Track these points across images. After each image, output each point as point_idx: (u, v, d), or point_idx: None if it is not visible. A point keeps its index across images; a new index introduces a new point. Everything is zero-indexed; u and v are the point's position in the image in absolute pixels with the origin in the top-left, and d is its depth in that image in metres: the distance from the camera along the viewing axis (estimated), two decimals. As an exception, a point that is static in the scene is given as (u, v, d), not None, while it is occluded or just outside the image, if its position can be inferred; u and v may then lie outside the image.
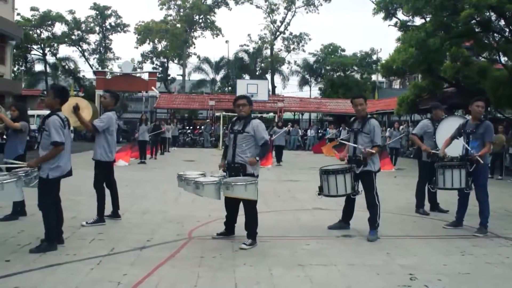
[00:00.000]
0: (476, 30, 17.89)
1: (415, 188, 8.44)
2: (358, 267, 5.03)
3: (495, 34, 18.46)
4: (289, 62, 49.87)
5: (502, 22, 17.57)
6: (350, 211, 6.86)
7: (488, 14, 16.71)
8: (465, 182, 6.66)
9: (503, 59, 18.98)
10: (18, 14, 41.99)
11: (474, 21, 16.99)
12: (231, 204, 5.98)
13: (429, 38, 16.71)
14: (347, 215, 6.87)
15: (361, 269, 4.95)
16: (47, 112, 5.71)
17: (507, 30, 17.53)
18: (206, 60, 47.49)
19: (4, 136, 7.25)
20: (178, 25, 48.70)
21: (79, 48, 48.36)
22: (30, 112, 24.56)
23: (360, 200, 9.49)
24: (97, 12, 48.01)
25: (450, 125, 7.49)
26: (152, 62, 50.68)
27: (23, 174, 5.54)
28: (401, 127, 20.91)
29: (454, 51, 18.54)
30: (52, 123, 5.41)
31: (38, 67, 47.97)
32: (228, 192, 5.56)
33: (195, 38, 50.50)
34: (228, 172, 5.96)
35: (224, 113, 30.03)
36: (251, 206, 5.79)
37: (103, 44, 49.72)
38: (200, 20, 49.63)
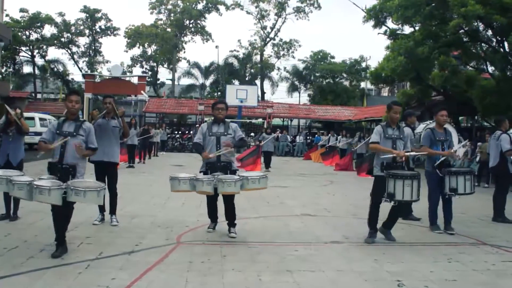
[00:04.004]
0: (464, 39, 18.10)
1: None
2: (346, 273, 5.05)
3: (482, 44, 18.69)
4: (278, 68, 50.01)
5: (490, 32, 17.81)
6: (394, 218, 6.74)
7: (476, 24, 16.91)
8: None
9: (490, 68, 19.20)
10: (7, 15, 41.64)
11: (462, 30, 17.19)
12: (214, 200, 6.65)
13: (418, 47, 16.86)
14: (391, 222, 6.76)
15: (349, 275, 4.97)
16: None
17: (494, 40, 17.75)
18: (196, 65, 47.44)
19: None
20: (168, 30, 48.65)
21: (69, 50, 48.04)
22: (29, 115, 24.55)
23: (349, 207, 9.56)
24: (87, 15, 47.74)
25: None
26: (142, 66, 50.60)
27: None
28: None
29: (442, 60, 18.70)
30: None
31: (27, 69, 47.56)
32: (236, 188, 6.17)
33: (185, 43, 50.49)
34: (211, 170, 6.39)
35: (213, 118, 29.96)
36: (233, 200, 6.57)
37: (93, 47, 49.46)
38: (191, 25, 49.62)
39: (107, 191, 6.70)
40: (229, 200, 6.57)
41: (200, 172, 6.61)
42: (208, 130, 6.58)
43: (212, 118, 6.81)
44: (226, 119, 6.79)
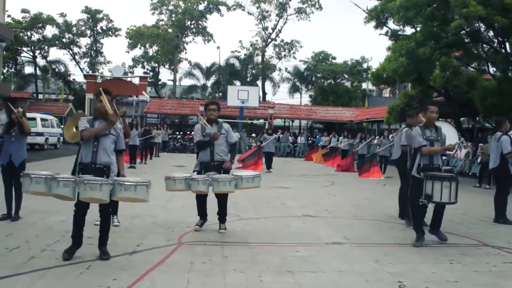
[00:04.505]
0: (466, 40, 18.08)
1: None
2: (347, 274, 5.05)
3: (484, 45, 18.68)
4: (280, 69, 50.15)
5: (491, 33, 17.79)
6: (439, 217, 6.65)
7: (477, 25, 16.90)
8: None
9: (492, 69, 19.18)
10: (9, 16, 41.74)
11: (463, 31, 17.18)
12: (204, 198, 6.82)
13: (419, 48, 16.85)
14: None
15: (350, 276, 4.97)
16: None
17: (496, 41, 17.74)
18: (197, 66, 47.52)
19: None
20: (170, 30, 48.75)
21: (70, 51, 48.19)
22: (31, 115, 24.63)
23: (350, 208, 9.56)
24: (89, 16, 47.87)
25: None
26: (143, 67, 50.76)
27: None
28: (390, 135, 21.00)
29: (444, 61, 18.68)
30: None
31: (28, 69, 47.78)
32: (230, 186, 6.41)
33: (187, 44, 50.70)
34: (205, 170, 6.61)
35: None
36: (226, 198, 6.83)
37: (94, 48, 49.58)
38: (192, 26, 49.72)
39: None
40: (223, 198, 6.80)
41: (194, 171, 6.76)
42: (201, 130, 6.75)
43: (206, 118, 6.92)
44: (219, 119, 7.00)
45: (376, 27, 19.62)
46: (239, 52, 49.14)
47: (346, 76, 46.62)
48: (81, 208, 5.22)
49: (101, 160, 5.19)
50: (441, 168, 6.56)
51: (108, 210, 5.42)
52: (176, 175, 6.52)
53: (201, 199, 6.86)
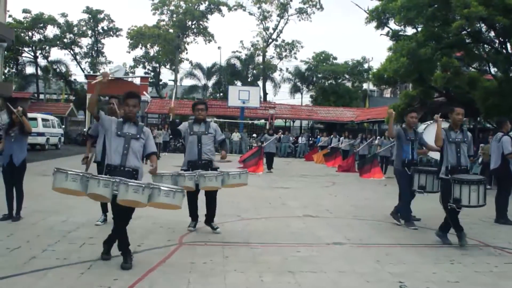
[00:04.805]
0: (467, 41, 18.06)
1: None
2: (348, 274, 5.05)
3: (485, 45, 18.66)
4: (281, 69, 50.04)
5: (492, 34, 17.77)
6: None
7: (478, 25, 16.87)
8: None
9: (493, 69, 19.15)
10: (10, 16, 41.71)
11: (464, 32, 17.16)
12: (194, 198, 6.81)
13: (420, 48, 16.84)
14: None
15: (351, 276, 4.97)
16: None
17: (497, 41, 17.72)
18: (198, 66, 47.50)
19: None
20: (171, 31, 48.71)
21: (71, 51, 48.12)
22: (32, 115, 24.63)
23: (351, 209, 9.56)
24: (90, 16, 47.83)
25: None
26: (144, 67, 50.68)
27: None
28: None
29: (445, 61, 18.67)
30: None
31: (29, 69, 47.70)
32: (216, 182, 6.46)
33: (188, 44, 50.58)
34: (193, 168, 6.61)
35: (215, 119, 30.03)
36: (215, 196, 6.83)
37: (95, 48, 49.55)
38: (193, 26, 49.68)
39: None
40: (212, 196, 6.82)
41: (181, 170, 6.75)
42: (189, 128, 6.79)
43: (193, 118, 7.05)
44: (208, 119, 7.05)
45: (377, 27, 19.61)
46: (240, 52, 49.15)
47: (347, 76, 46.58)
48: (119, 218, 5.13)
49: (130, 164, 5.11)
50: (468, 169, 6.68)
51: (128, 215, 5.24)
52: (163, 171, 6.41)
53: (192, 200, 6.82)
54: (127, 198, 4.75)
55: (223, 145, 7.33)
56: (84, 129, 35.15)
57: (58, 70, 46.95)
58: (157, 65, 51.00)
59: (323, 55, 47.84)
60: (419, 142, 7.86)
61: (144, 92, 36.45)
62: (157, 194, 4.94)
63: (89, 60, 49.18)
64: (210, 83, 48.42)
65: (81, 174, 4.82)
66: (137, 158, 5.20)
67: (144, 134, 5.28)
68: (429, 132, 8.25)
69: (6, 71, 43.68)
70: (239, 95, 31.41)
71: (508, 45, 16.40)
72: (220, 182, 6.49)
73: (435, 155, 8.73)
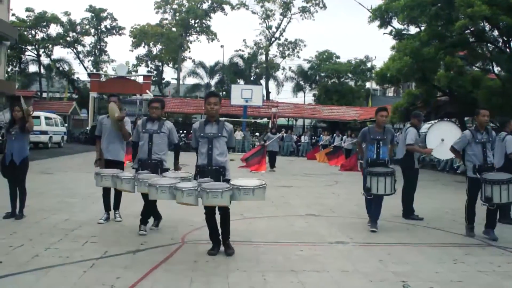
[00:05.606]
0: (470, 40, 18.04)
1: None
2: (351, 273, 5.04)
3: (488, 44, 18.63)
4: (283, 68, 50.00)
5: (496, 33, 17.75)
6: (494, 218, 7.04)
7: (482, 24, 16.86)
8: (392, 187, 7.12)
9: (496, 69, 19.14)
10: (13, 14, 41.84)
11: (468, 31, 17.14)
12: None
13: (424, 47, 16.83)
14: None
15: (354, 276, 4.96)
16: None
17: (501, 40, 17.70)
18: (201, 65, 47.52)
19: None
20: (174, 29, 48.74)
21: (74, 50, 48.23)
22: (35, 114, 24.65)
23: (354, 208, 9.55)
24: (93, 14, 47.90)
25: (441, 129, 8.24)
26: (147, 66, 50.76)
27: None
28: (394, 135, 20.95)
29: (448, 60, 18.66)
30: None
31: (32, 68, 47.81)
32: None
33: (190, 42, 50.60)
34: (142, 168, 6.40)
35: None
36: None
37: (98, 47, 49.63)
38: (196, 25, 49.67)
39: (112, 189, 6.75)
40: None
41: (134, 168, 6.57)
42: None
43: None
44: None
45: (380, 26, 19.62)
46: (243, 51, 49.12)
47: (350, 75, 46.50)
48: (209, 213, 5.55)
49: (217, 162, 5.55)
50: (494, 166, 7.04)
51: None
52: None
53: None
54: (209, 203, 5.21)
55: (175, 151, 7.02)
56: (87, 128, 35.27)
57: (61, 68, 47.02)
58: (160, 63, 51.07)
59: (326, 54, 47.78)
60: (393, 142, 7.77)
61: (147, 91, 36.50)
62: (238, 194, 5.26)
63: (92, 58, 49.28)
64: (212, 82, 48.44)
65: (167, 185, 5.41)
66: (223, 155, 5.60)
67: (226, 131, 5.66)
68: (433, 131, 8.25)
69: (9, 70, 43.81)
70: (242, 94, 31.37)
71: (512, 44, 16.39)
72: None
73: (439, 155, 8.73)
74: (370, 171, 7.08)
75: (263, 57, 49.50)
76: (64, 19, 46.63)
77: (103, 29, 49.25)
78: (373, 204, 7.26)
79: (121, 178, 6.05)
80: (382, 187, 7.02)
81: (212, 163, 5.55)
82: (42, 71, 46.76)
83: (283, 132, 25.94)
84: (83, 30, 48.32)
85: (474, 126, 7.23)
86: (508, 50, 17.09)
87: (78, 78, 49.42)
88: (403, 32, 19.80)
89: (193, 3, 47.73)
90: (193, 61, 49.44)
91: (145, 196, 6.11)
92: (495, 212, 6.92)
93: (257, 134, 32.13)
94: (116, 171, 6.38)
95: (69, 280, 4.46)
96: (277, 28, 49.58)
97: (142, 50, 49.94)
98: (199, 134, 5.65)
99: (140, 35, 47.89)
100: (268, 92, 48.19)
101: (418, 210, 8.41)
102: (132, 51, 50.58)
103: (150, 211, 6.73)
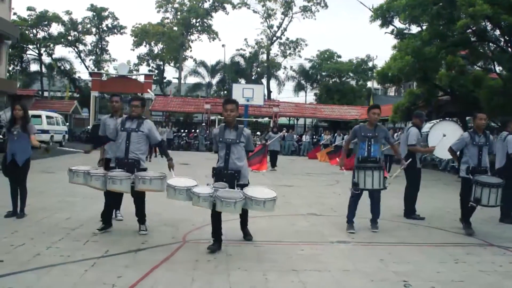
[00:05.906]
0: (472, 39, 18.01)
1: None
2: (352, 273, 5.04)
3: (490, 44, 18.60)
4: (285, 67, 50.02)
5: (498, 32, 17.71)
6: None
7: (483, 24, 16.83)
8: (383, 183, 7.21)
9: (498, 68, 19.09)
10: (15, 13, 41.78)
11: (470, 30, 17.11)
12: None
13: (425, 47, 16.80)
14: None
15: (355, 275, 4.96)
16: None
17: (502, 40, 17.66)
18: (202, 64, 47.49)
19: (0, 136, 7.24)
20: (175, 28, 48.76)
21: (75, 49, 48.26)
22: (36, 113, 24.70)
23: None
24: (94, 14, 47.92)
25: (443, 129, 8.28)
26: (148, 65, 50.78)
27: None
28: (395, 134, 20.92)
29: (450, 59, 18.62)
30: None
31: (34, 67, 47.84)
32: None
33: (192, 42, 50.66)
34: (119, 166, 6.22)
35: (219, 116, 30.03)
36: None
37: (99, 46, 49.66)
38: (197, 24, 49.70)
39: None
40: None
41: (111, 169, 6.30)
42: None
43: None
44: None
45: (381, 25, 19.60)
46: (244, 50, 49.12)
47: (351, 74, 46.48)
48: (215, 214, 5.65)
49: (233, 167, 5.78)
50: (488, 170, 7.23)
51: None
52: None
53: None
54: (222, 209, 5.39)
55: (163, 148, 7.45)
56: (88, 127, 35.28)
57: (62, 67, 47.05)
58: (161, 62, 51.08)
59: (328, 53, 47.76)
60: (389, 140, 7.80)
61: (148, 90, 36.52)
62: (249, 204, 5.46)
63: (93, 57, 49.32)
64: (214, 81, 48.46)
65: (184, 188, 5.66)
66: (240, 160, 5.81)
67: (244, 137, 5.88)
68: (435, 131, 8.25)
69: (10, 69, 43.81)
70: (243, 93, 31.29)
71: (514, 43, 16.37)
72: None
73: (440, 155, 8.72)
74: (358, 165, 7.11)
75: (264, 57, 49.51)
76: (65, 18, 46.72)
77: (105, 28, 49.27)
78: (372, 204, 7.26)
79: (91, 175, 6.06)
80: (370, 182, 7.02)
81: (228, 167, 5.80)
82: (44, 70, 46.79)
83: (284, 131, 25.90)
84: (85, 29, 48.34)
85: (472, 129, 7.39)
86: (509, 49, 17.06)
87: (79, 77, 49.53)
88: (405, 31, 19.78)
89: (194, 2, 47.77)
90: (195, 60, 49.47)
91: (117, 194, 6.48)
92: (473, 211, 7.14)
93: (258, 133, 32.09)
94: (89, 168, 6.30)
95: (70, 279, 4.47)
96: (279, 27, 49.64)
97: (143, 49, 50.07)
98: (219, 139, 5.90)
99: (142, 34, 47.93)
100: (269, 92, 48.17)
101: (420, 209, 8.41)
102: (133, 50, 50.88)
103: (141, 210, 6.65)
